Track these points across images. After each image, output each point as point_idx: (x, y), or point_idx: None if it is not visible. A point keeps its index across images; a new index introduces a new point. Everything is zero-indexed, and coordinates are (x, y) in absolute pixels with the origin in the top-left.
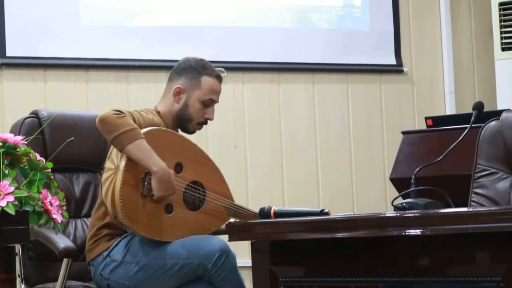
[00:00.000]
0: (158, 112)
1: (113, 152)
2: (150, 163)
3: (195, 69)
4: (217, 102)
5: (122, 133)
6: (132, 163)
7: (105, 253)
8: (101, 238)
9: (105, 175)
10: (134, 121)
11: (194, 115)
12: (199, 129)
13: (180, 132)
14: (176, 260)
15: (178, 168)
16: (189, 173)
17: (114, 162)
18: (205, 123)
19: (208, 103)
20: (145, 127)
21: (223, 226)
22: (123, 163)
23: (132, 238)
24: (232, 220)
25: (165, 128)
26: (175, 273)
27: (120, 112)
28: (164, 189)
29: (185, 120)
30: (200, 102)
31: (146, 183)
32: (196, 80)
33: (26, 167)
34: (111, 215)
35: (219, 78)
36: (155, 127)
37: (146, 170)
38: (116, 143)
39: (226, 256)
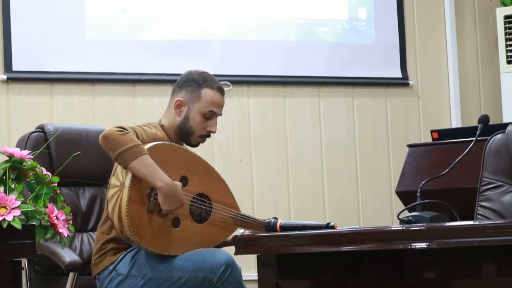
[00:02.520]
0: (162, 126)
1: (118, 168)
2: (155, 178)
3: (196, 81)
4: (220, 114)
5: (125, 150)
6: (137, 180)
7: (111, 267)
8: (106, 252)
9: (110, 192)
10: (137, 137)
11: (195, 128)
12: (202, 142)
13: (185, 146)
14: (181, 274)
15: (183, 181)
16: (194, 186)
17: (120, 178)
18: (208, 136)
19: (209, 116)
20: (149, 142)
21: (230, 238)
22: (128, 179)
23: (137, 252)
24: (240, 230)
25: (169, 142)
26: (180, 287)
27: (123, 128)
28: (171, 203)
29: (186, 133)
30: (200, 115)
31: (152, 199)
32: (197, 93)
33: (32, 181)
34: (118, 231)
35: (220, 91)
36: (158, 142)
37: (152, 186)
38: (120, 160)
39: (232, 269)
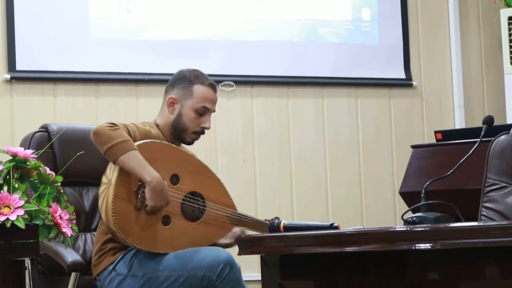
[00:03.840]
0: (157, 125)
1: (108, 166)
2: (144, 173)
3: (187, 78)
4: (213, 110)
5: (115, 145)
6: (124, 177)
7: (110, 267)
8: (106, 252)
9: (100, 190)
10: (129, 133)
11: (189, 125)
12: (196, 139)
13: (183, 145)
14: (180, 272)
15: (175, 179)
16: (186, 184)
17: (108, 176)
18: (202, 132)
19: (202, 112)
20: (141, 139)
21: (231, 240)
22: (114, 176)
23: (136, 252)
24: (236, 228)
25: (159, 141)
26: (180, 286)
27: (113, 124)
28: (157, 199)
29: (180, 130)
30: (193, 111)
31: (139, 196)
32: (188, 89)
33: (36, 180)
34: (107, 228)
35: (212, 87)
36: (148, 140)
37: (139, 183)
38: (109, 154)
39: (231, 267)
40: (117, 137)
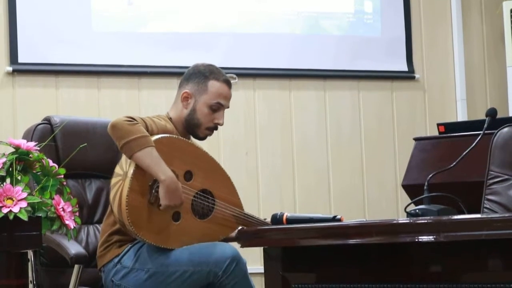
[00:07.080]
0: (170, 119)
1: (123, 157)
2: (159, 171)
3: (202, 73)
4: (227, 107)
5: (132, 140)
6: (140, 170)
7: (116, 260)
8: (112, 244)
9: (113, 180)
10: (147, 128)
11: (202, 120)
12: (209, 135)
13: (193, 140)
14: (186, 267)
15: (188, 176)
16: (198, 181)
17: (123, 168)
18: (215, 128)
19: (216, 108)
20: (158, 133)
21: (234, 234)
22: (131, 170)
23: (142, 245)
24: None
25: (176, 136)
26: (185, 281)
27: (132, 119)
28: (171, 198)
29: (193, 126)
30: (207, 107)
31: (154, 191)
32: (203, 85)
33: (38, 173)
34: (117, 220)
35: (227, 83)
36: (165, 135)
37: (155, 178)
38: (125, 149)
39: (237, 263)
40: (135, 132)
